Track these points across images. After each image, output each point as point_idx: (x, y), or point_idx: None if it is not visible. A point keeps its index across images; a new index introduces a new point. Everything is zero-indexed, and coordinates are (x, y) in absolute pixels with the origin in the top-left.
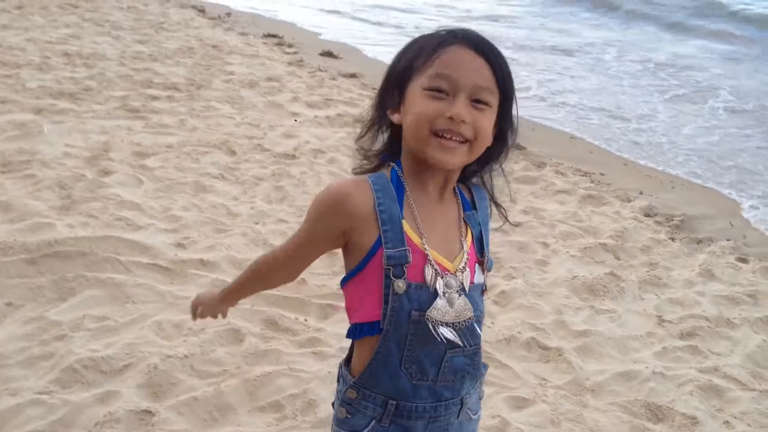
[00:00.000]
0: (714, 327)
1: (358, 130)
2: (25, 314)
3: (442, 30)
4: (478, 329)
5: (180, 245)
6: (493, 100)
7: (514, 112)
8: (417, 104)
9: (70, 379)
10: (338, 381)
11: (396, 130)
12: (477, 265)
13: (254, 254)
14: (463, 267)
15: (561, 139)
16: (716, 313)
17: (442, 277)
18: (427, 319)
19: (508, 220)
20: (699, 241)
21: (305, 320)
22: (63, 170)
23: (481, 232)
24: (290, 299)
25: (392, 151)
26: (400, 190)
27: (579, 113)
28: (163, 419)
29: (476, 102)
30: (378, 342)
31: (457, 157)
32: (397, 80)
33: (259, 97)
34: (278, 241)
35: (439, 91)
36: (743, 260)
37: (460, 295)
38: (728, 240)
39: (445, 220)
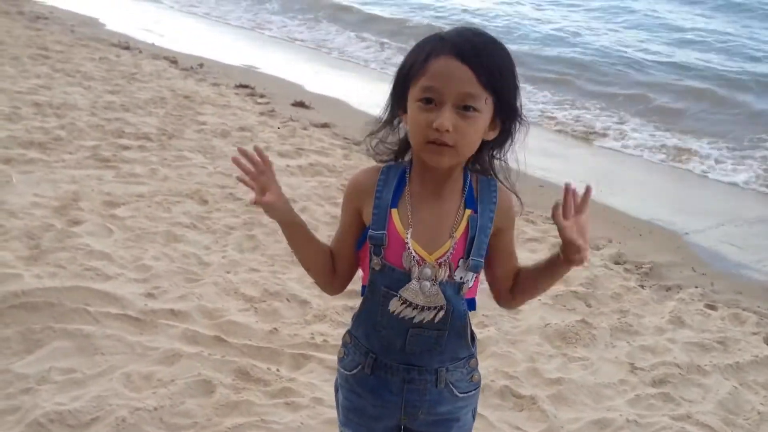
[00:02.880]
0: (685, 374)
1: (329, 179)
2: None
3: (439, 34)
4: (442, 317)
5: (150, 295)
6: (481, 104)
7: (516, 102)
8: (412, 115)
9: None
10: None
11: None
12: (462, 261)
13: (226, 303)
14: (444, 261)
15: (529, 188)
16: (687, 360)
17: (419, 265)
18: (399, 296)
19: (521, 202)
20: (668, 288)
21: (277, 370)
22: (31, 220)
23: (475, 236)
24: (262, 349)
25: (405, 145)
26: (402, 182)
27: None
28: None
29: (464, 109)
30: (362, 303)
31: (446, 159)
32: (400, 86)
33: (231, 146)
34: (251, 291)
35: (428, 101)
36: (712, 307)
37: (433, 285)
38: (696, 287)
39: (438, 214)
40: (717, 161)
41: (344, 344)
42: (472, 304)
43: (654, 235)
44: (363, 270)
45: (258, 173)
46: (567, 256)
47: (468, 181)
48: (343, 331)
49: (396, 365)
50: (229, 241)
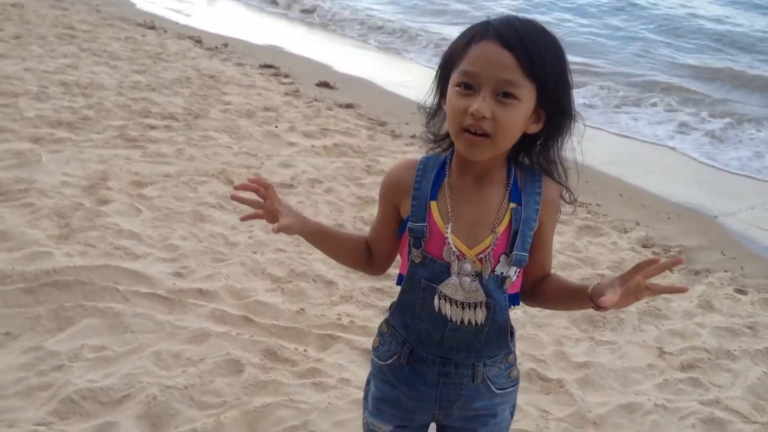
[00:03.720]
0: (714, 359)
1: (354, 159)
2: (23, 344)
3: (487, 20)
4: (482, 314)
5: (178, 274)
6: (523, 92)
7: (563, 96)
8: (449, 100)
9: (69, 410)
10: None
11: None
12: (504, 256)
13: (253, 283)
14: (485, 256)
15: None
16: (716, 344)
17: (459, 260)
18: (439, 292)
19: (574, 198)
20: (697, 273)
21: (305, 350)
22: (61, 199)
23: (518, 229)
24: (289, 329)
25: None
26: (441, 173)
27: None
28: None
29: (504, 96)
30: (401, 293)
31: (482, 152)
32: (442, 71)
33: (256, 126)
34: (277, 271)
35: (467, 87)
36: (742, 291)
37: (473, 280)
38: (726, 271)
39: (479, 208)
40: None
41: (380, 333)
42: (515, 299)
43: (683, 218)
44: (402, 257)
45: (264, 201)
46: (598, 296)
47: (512, 174)
48: (369, 312)
49: (432, 358)
50: (255, 221)
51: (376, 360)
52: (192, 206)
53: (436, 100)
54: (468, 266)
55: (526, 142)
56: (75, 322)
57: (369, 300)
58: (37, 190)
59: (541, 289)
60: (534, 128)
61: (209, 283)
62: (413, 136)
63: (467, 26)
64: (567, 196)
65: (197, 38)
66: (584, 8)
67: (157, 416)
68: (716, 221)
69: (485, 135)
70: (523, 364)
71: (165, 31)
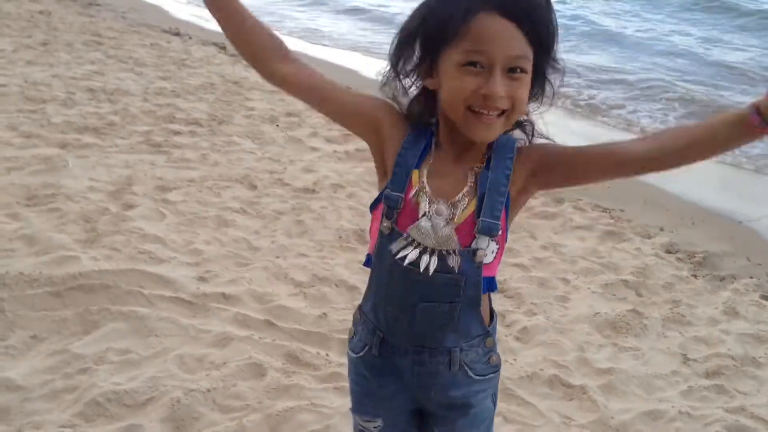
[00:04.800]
0: (740, 366)
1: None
2: (49, 347)
3: None
4: (455, 261)
5: (202, 279)
6: (529, 63)
7: (555, 52)
8: (453, 79)
9: (94, 412)
10: None
11: (429, 92)
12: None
13: (276, 288)
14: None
15: None
16: (741, 351)
17: (431, 202)
18: (406, 235)
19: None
20: (722, 279)
21: (327, 355)
22: (87, 204)
23: (484, 193)
24: (312, 333)
25: (427, 109)
26: (428, 147)
27: None
28: None
29: (512, 71)
30: (371, 275)
31: (495, 131)
32: (425, 43)
33: (279, 132)
34: (300, 276)
35: (474, 65)
36: (767, 298)
37: (447, 224)
38: (751, 277)
39: (455, 175)
40: None
41: (354, 322)
42: (491, 284)
43: (707, 223)
44: (371, 236)
45: None
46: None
47: (491, 145)
48: None
49: (405, 346)
50: (278, 226)
51: (350, 354)
52: (216, 211)
53: (395, 71)
54: (443, 208)
55: None
56: (100, 325)
57: None
58: (63, 195)
59: (660, 140)
60: None
61: (232, 287)
62: None
63: None
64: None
65: (221, 45)
66: None
67: (181, 419)
68: (741, 227)
69: (500, 114)
70: (545, 370)
71: (190, 38)
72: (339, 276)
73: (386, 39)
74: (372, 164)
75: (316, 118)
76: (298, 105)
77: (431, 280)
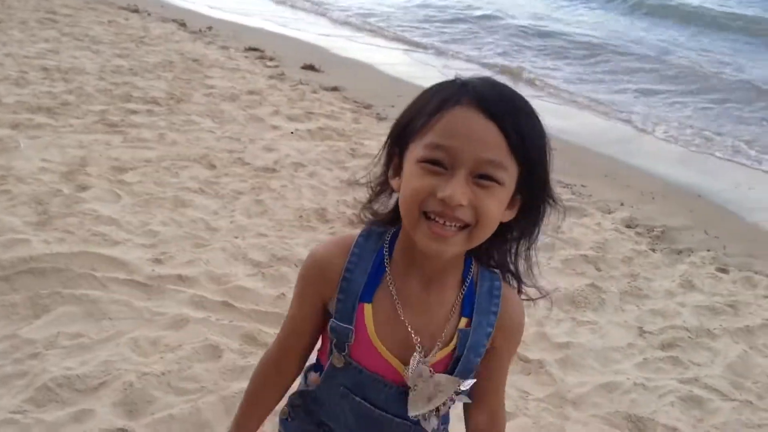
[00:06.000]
0: (695, 338)
1: (338, 143)
2: None
3: (458, 80)
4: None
5: (158, 261)
6: (506, 175)
7: (546, 180)
8: (409, 178)
9: (45, 397)
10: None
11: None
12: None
13: (234, 269)
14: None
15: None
16: (697, 323)
17: (411, 370)
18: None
19: (546, 293)
20: (679, 252)
21: None
22: (39, 186)
23: (462, 356)
24: (270, 314)
25: (393, 213)
26: (383, 263)
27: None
28: None
29: (481, 178)
30: (317, 385)
31: (451, 247)
32: (398, 138)
33: (240, 110)
34: (258, 256)
35: (435, 163)
36: (723, 270)
37: (432, 376)
38: (708, 250)
39: (425, 318)
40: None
41: (291, 404)
42: (444, 419)
43: (667, 198)
44: (323, 343)
45: None
46: None
47: (470, 274)
48: None
49: None
50: (237, 206)
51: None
52: (173, 191)
53: (383, 174)
54: (424, 370)
55: (496, 234)
56: (51, 309)
57: None
58: (14, 177)
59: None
60: (508, 216)
61: (189, 268)
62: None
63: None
64: (538, 292)
65: (181, 21)
66: None
67: (134, 403)
68: (700, 200)
69: (461, 226)
70: None
71: (149, 14)
72: (298, 255)
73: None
74: (334, 143)
75: (278, 96)
76: (260, 83)
77: (390, 421)
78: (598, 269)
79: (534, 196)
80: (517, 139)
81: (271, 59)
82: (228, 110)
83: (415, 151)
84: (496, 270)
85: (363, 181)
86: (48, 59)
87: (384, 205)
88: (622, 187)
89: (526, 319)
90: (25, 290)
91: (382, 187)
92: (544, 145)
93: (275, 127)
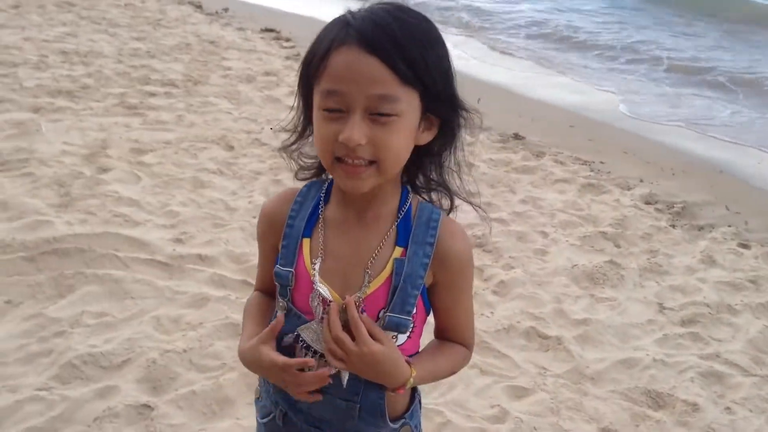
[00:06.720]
0: (715, 313)
1: None
2: (24, 311)
3: (345, 16)
4: (348, 384)
5: (178, 240)
6: (402, 105)
7: (453, 91)
8: (316, 127)
9: (69, 375)
10: None
11: None
12: (382, 312)
13: (252, 248)
14: (358, 306)
15: (560, 128)
16: (717, 299)
17: (324, 304)
18: (297, 335)
19: (485, 214)
20: (700, 228)
21: None
22: (61, 168)
23: (398, 286)
24: None
25: (317, 163)
26: (317, 209)
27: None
28: (162, 413)
29: (378, 115)
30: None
31: (365, 181)
32: (304, 86)
33: (257, 91)
34: None
35: (333, 110)
36: (745, 246)
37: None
38: (729, 226)
39: (359, 246)
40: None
41: (260, 383)
42: (410, 416)
43: (687, 174)
44: None
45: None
46: None
47: (406, 202)
48: None
49: (307, 428)
50: (256, 186)
51: (257, 415)
52: (192, 172)
53: (302, 120)
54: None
55: (420, 154)
56: (75, 289)
57: None
58: (36, 160)
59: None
60: (426, 137)
61: (209, 248)
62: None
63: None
64: (479, 211)
65: (197, 3)
66: None
67: (157, 379)
68: (722, 176)
69: (370, 161)
70: (522, 322)
71: None
72: None
73: None
74: None
75: (295, 77)
76: (276, 64)
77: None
78: (617, 246)
79: (445, 113)
80: (406, 67)
81: (287, 40)
82: (245, 91)
83: (317, 98)
84: (437, 205)
85: (289, 127)
86: (67, 42)
87: (304, 147)
88: (641, 164)
89: (545, 297)
90: (49, 270)
91: (305, 130)
92: (441, 59)
93: (292, 108)
